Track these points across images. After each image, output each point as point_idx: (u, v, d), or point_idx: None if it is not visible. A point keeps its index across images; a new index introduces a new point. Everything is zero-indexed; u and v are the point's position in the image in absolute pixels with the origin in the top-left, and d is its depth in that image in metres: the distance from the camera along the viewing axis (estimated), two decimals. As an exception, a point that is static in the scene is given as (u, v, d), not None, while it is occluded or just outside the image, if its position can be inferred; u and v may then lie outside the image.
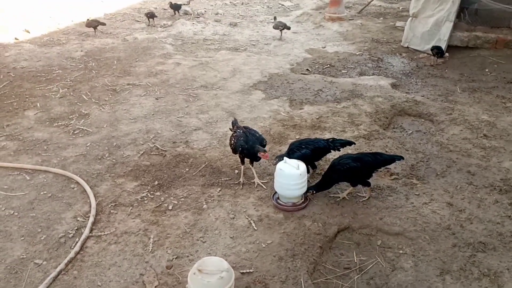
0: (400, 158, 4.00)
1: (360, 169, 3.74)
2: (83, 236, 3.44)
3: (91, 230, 3.55)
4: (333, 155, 4.29)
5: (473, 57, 7.88)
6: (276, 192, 3.90)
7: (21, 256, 3.30)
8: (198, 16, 11.61)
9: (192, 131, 5.27)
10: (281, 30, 9.47)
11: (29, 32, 9.68)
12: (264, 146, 4.07)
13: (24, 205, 3.89)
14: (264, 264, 3.20)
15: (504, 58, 7.66)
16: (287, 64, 7.82)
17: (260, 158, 3.94)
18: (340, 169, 3.75)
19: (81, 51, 8.44)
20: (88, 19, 9.80)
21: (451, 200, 3.95)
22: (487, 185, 4.16)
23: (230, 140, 4.21)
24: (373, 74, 7.35)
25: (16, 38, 9.21)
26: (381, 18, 11.24)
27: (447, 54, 7.67)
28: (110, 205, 3.89)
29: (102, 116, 5.68)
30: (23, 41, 9.10)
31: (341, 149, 4.24)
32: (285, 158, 3.81)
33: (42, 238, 3.48)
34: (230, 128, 4.53)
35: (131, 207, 3.86)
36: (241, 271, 3.13)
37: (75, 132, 5.23)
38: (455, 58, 7.89)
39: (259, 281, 3.05)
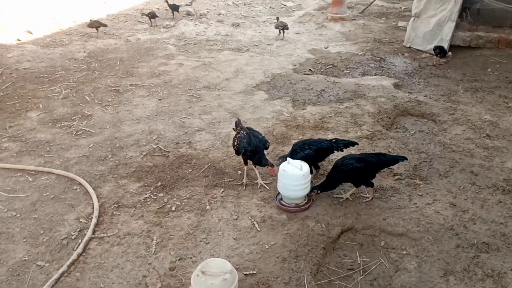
0: (404, 158, 3.98)
1: (364, 169, 3.74)
2: (86, 238, 3.44)
3: (93, 232, 3.54)
4: (336, 155, 4.28)
5: (475, 57, 7.87)
6: (279, 193, 3.89)
7: (24, 258, 3.29)
8: (201, 16, 11.62)
9: (195, 132, 5.27)
10: (280, 30, 9.48)
11: (31, 33, 9.71)
12: (267, 148, 4.08)
13: (27, 206, 3.89)
14: (268, 266, 3.20)
15: (506, 58, 7.64)
16: (290, 64, 7.82)
17: (264, 164, 3.93)
18: (343, 169, 3.74)
19: (84, 52, 8.45)
20: (91, 20, 9.84)
21: (454, 200, 3.94)
22: (490, 185, 4.15)
23: (233, 141, 4.21)
24: (376, 74, 7.34)
25: (18, 39, 9.24)
26: (383, 18, 11.23)
27: (450, 53, 7.65)
28: (113, 207, 3.88)
29: (105, 117, 5.68)
30: (26, 42, 9.13)
31: (344, 150, 4.23)
32: (288, 158, 3.80)
33: (45, 240, 3.48)
34: (233, 128, 4.53)
35: (134, 209, 3.86)
36: (245, 272, 3.12)
37: (78, 133, 5.24)
38: (458, 58, 7.88)
39: (262, 283, 3.04)
